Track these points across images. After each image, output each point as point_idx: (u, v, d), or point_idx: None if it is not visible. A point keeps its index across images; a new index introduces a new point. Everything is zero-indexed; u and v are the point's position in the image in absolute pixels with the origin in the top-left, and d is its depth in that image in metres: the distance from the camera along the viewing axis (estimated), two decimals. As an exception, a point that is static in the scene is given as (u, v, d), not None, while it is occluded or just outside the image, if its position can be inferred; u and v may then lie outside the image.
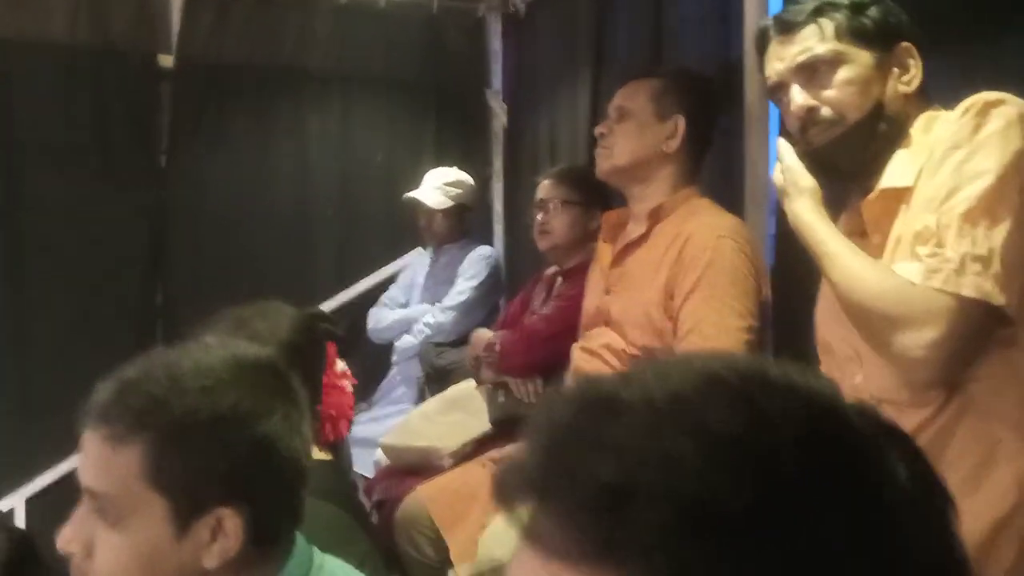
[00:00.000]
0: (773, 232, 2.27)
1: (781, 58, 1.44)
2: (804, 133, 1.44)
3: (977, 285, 1.19)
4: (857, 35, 1.40)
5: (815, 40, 1.41)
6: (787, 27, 1.44)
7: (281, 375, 1.13)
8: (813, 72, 1.41)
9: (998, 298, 1.20)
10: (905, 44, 1.41)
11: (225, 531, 1.03)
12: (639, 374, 0.55)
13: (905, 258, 1.28)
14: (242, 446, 1.04)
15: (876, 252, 1.39)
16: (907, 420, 1.29)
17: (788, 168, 1.44)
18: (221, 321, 1.65)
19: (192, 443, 1.02)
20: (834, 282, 1.34)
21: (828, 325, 1.50)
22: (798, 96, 1.42)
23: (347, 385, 1.77)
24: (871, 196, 1.40)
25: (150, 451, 1.01)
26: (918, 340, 1.22)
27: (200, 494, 1.02)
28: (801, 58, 1.41)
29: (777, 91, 1.48)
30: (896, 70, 1.40)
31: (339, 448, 1.78)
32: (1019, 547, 1.20)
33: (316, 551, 1.18)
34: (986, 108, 1.26)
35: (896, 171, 1.38)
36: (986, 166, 1.23)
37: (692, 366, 0.55)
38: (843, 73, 1.39)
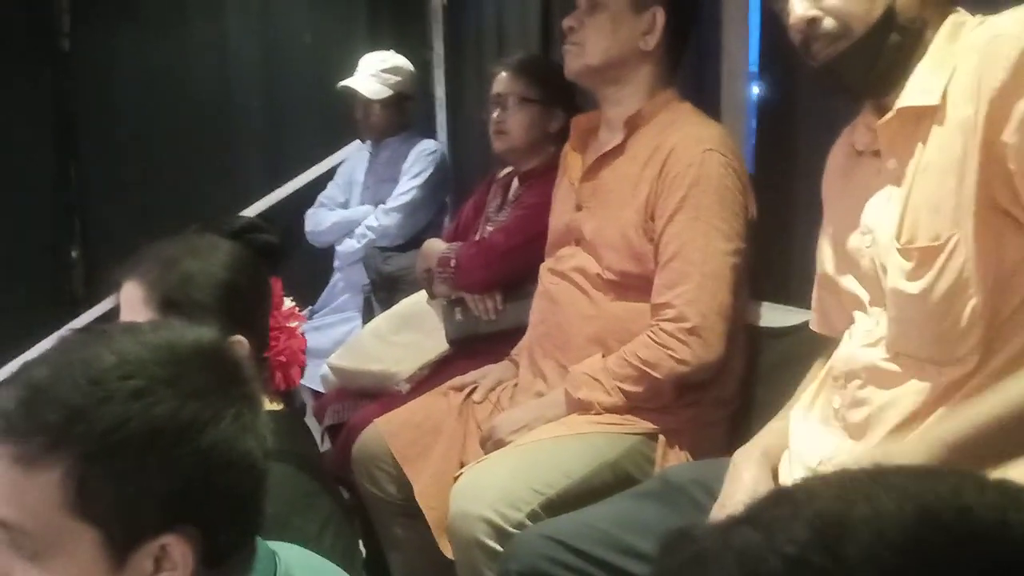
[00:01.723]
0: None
1: None
2: (807, 47, 1.27)
3: None
4: None
5: None
6: None
7: (228, 362, 0.93)
8: None
9: None
10: None
11: (172, 559, 0.85)
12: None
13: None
14: (186, 461, 0.85)
15: (891, 177, 1.25)
16: (933, 378, 1.19)
17: None
18: (146, 261, 1.43)
19: (123, 462, 0.83)
20: None
21: (839, 268, 1.35)
22: (798, 6, 1.24)
23: (297, 327, 1.57)
24: (887, 116, 1.24)
25: (71, 474, 0.82)
26: None
27: (138, 521, 0.84)
28: None
29: (777, 4, 1.30)
30: None
31: (292, 394, 1.60)
32: None
33: (277, 554, 1.02)
34: None
35: (917, 87, 1.21)
36: None
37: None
38: None
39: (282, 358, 1.52)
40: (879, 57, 1.22)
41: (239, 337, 1.40)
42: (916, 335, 1.20)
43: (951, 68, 1.18)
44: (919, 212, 1.19)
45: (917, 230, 1.19)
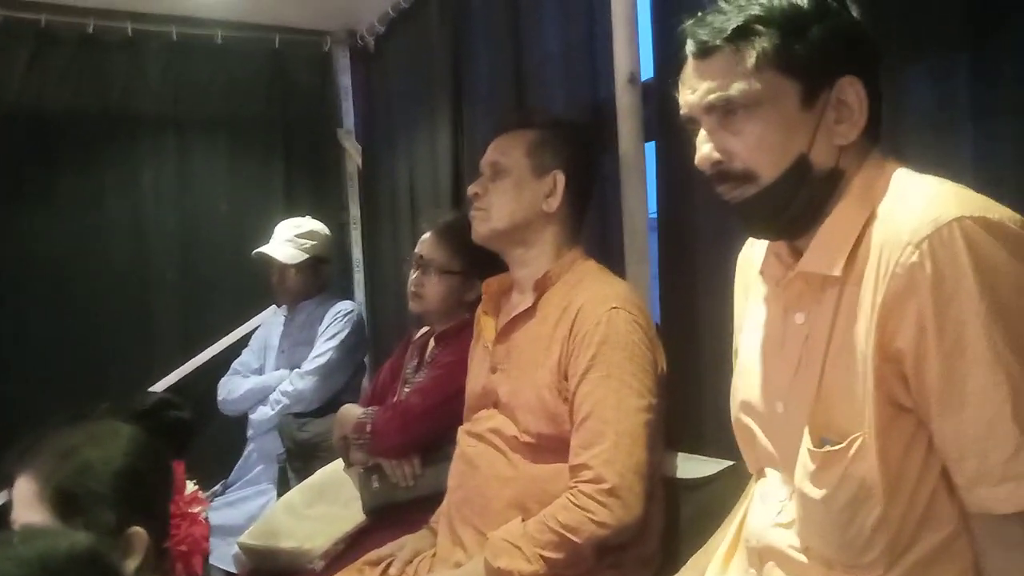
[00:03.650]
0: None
1: (693, 89, 1.18)
2: (715, 184, 1.20)
3: None
4: (786, 66, 1.12)
5: (730, 76, 1.13)
6: (702, 50, 1.16)
7: (105, 569, 0.88)
8: (726, 113, 1.15)
9: None
10: (848, 79, 1.13)
11: None
12: None
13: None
14: None
15: (799, 332, 1.20)
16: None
17: None
18: (42, 452, 1.37)
19: None
20: None
21: (749, 414, 1.32)
22: (704, 145, 1.17)
23: (200, 512, 1.50)
24: (790, 276, 1.21)
25: None
26: None
27: None
28: (711, 98, 1.15)
29: (690, 124, 1.21)
30: (832, 113, 1.14)
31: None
32: None
33: None
34: (938, 249, 1.01)
35: (821, 250, 1.16)
36: (987, 380, 1.01)
37: None
38: (760, 121, 1.13)
39: (183, 547, 1.44)
40: (789, 206, 1.15)
41: (137, 528, 1.33)
42: (822, 538, 1.16)
43: (857, 232, 1.12)
44: (832, 399, 1.13)
45: (831, 416, 1.13)
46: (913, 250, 1.03)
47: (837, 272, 1.14)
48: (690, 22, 1.19)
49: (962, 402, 1.02)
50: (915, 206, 1.07)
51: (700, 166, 1.19)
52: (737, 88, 1.13)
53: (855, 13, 1.16)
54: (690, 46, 1.18)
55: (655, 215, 2.16)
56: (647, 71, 2.15)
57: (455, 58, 3.04)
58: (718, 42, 1.14)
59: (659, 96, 2.07)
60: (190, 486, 1.53)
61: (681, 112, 1.21)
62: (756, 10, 1.13)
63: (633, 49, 2.16)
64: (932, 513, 1.09)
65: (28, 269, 3.41)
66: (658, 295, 2.14)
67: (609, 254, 2.20)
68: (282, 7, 3.56)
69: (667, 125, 2.04)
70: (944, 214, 1.02)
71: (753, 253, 1.38)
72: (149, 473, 1.41)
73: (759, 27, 1.12)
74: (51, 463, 1.35)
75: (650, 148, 2.16)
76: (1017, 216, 1.04)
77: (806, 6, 1.13)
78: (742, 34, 1.12)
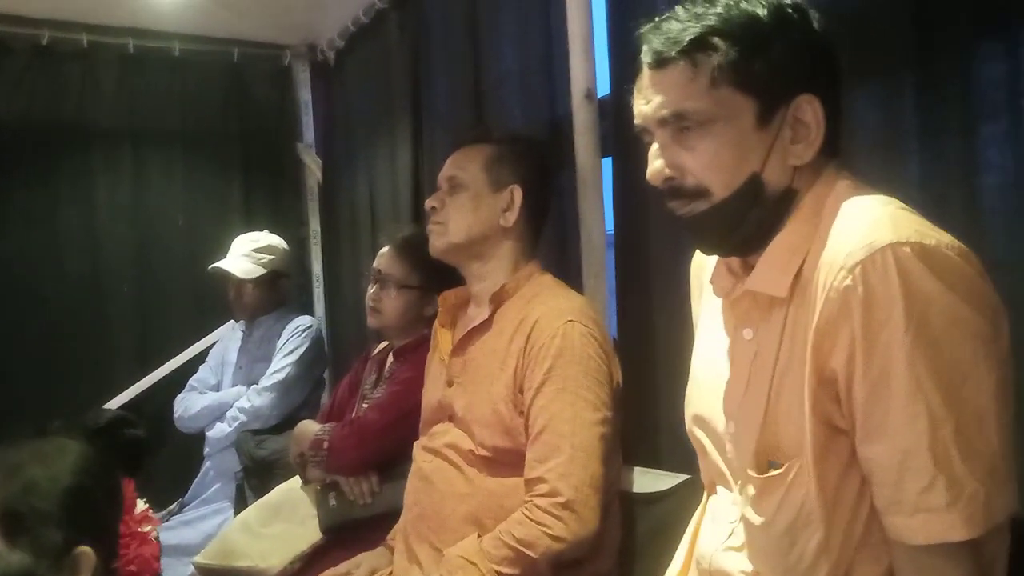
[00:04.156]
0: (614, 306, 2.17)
1: (647, 99, 1.15)
2: (666, 199, 1.17)
3: None
4: (742, 83, 1.09)
5: (685, 91, 1.10)
6: (657, 60, 1.12)
7: None
8: (680, 128, 1.12)
9: None
10: (806, 97, 1.10)
11: None
12: None
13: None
14: None
15: (748, 349, 1.19)
16: None
17: None
18: None
19: None
20: None
21: (700, 427, 1.32)
22: (655, 160, 1.15)
23: (150, 531, 1.48)
24: (736, 294, 1.21)
25: None
26: None
27: None
28: (664, 112, 1.12)
29: (644, 134, 1.19)
30: (788, 132, 1.11)
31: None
32: None
33: None
34: (871, 274, 1.00)
35: (768, 268, 1.14)
36: (907, 411, 0.99)
37: None
38: (713, 138, 1.10)
39: (132, 567, 1.43)
40: (740, 225, 1.14)
41: (85, 548, 1.31)
42: (766, 563, 1.16)
43: (804, 252, 1.11)
44: (779, 421, 1.12)
45: (779, 438, 1.12)
46: (847, 274, 1.01)
47: (783, 293, 1.13)
48: (646, 28, 1.16)
49: (883, 430, 1.02)
50: (854, 229, 1.05)
51: (651, 181, 1.17)
52: (691, 104, 1.10)
53: (816, 24, 1.14)
54: (645, 55, 1.15)
55: (612, 230, 2.18)
56: (604, 88, 2.18)
57: (415, 74, 3.05)
58: (673, 54, 1.10)
59: (616, 112, 2.10)
60: (140, 505, 1.51)
61: (635, 122, 1.19)
62: (713, 20, 1.10)
63: (589, 66, 2.19)
64: (871, 538, 1.08)
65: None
66: (615, 309, 2.16)
67: (567, 269, 2.22)
68: (241, 20, 3.54)
69: (624, 141, 2.06)
70: (879, 239, 1.00)
71: (706, 257, 1.36)
72: (97, 491, 1.38)
73: (716, 40, 1.09)
74: None
75: (607, 164, 2.18)
76: (955, 243, 1.02)
77: (765, 18, 1.10)
78: (698, 47, 1.09)
